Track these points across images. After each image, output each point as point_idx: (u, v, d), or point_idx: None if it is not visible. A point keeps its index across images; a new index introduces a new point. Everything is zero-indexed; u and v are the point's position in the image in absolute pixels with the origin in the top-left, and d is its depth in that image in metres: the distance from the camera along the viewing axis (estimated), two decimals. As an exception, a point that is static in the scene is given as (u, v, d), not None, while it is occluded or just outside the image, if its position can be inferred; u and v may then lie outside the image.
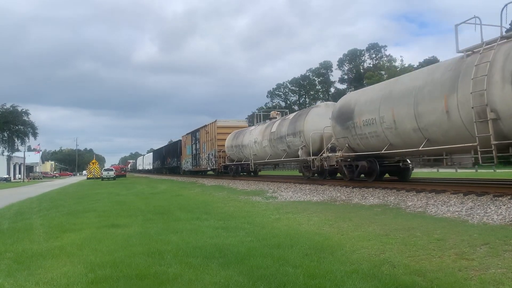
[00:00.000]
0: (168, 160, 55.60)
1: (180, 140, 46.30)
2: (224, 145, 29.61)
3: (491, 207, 8.17)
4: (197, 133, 36.88)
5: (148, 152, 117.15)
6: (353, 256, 5.24)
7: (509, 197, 8.61)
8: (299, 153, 17.82)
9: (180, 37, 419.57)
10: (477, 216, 7.72)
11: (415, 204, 9.81)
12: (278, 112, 25.49)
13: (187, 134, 41.84)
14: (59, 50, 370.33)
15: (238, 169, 28.20)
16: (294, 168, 51.43)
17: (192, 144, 38.74)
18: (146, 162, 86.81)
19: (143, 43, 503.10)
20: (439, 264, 4.72)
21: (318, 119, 17.42)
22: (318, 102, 21.11)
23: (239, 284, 4.21)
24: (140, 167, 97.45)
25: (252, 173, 28.65)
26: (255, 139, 23.67)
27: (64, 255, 5.89)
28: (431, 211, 8.88)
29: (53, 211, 12.29)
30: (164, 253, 5.68)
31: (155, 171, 73.73)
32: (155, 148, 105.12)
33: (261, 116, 27.84)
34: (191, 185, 26.83)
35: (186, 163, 41.99)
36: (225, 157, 29.81)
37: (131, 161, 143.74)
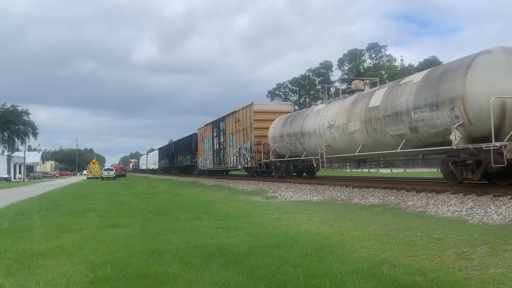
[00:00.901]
0: (179, 158, 47.41)
1: (195, 134, 38.59)
2: (265, 136, 22.30)
3: (491, 207, 8.17)
4: (221, 123, 29.61)
5: (149, 151, 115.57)
6: (353, 255, 5.24)
7: (509, 197, 8.62)
8: (451, 137, 9.87)
9: (180, 37, 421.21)
10: (477, 216, 7.73)
11: (415, 204, 9.81)
12: (367, 82, 16.79)
13: (205, 125, 34.51)
14: (59, 50, 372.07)
15: (289, 167, 20.55)
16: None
17: (213, 137, 31.51)
18: (150, 161, 79.95)
19: (143, 43, 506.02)
20: (439, 264, 4.72)
21: (497, 75, 9.20)
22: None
23: (239, 284, 4.21)
24: (143, 167, 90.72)
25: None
26: (330, 122, 15.90)
27: (64, 255, 5.89)
28: (431, 211, 8.88)
29: (53, 211, 12.29)
30: (164, 253, 5.68)
31: (161, 171, 64.25)
32: (155, 148, 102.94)
33: (339, 90, 18.21)
34: (191, 185, 26.86)
35: (205, 161, 34.71)
36: (268, 152, 22.26)
37: (133, 160, 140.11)
